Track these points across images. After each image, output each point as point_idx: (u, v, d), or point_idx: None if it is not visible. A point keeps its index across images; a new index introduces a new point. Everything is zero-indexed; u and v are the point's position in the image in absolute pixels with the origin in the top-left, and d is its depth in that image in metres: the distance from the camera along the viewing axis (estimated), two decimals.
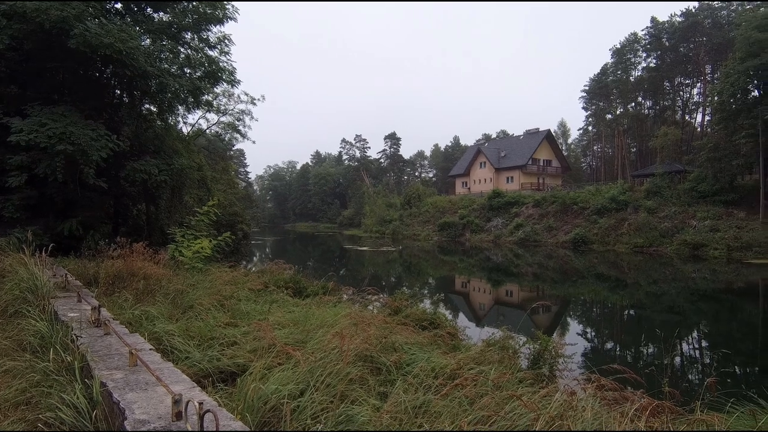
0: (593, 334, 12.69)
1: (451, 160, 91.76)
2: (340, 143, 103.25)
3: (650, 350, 10.78)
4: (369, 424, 2.65)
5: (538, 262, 29.37)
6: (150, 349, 3.54)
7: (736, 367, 9.72)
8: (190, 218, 11.71)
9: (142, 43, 14.81)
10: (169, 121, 19.65)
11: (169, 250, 10.36)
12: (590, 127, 71.84)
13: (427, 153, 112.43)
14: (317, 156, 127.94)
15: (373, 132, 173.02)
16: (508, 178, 58.96)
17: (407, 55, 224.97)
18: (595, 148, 75.97)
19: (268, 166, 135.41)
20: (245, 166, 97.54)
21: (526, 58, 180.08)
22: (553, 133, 69.14)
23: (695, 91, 56.96)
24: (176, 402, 2.24)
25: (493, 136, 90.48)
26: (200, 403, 2.11)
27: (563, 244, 36.86)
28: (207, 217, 11.43)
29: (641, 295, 18.09)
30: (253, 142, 32.96)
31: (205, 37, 17.91)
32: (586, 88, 65.44)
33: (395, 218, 60.29)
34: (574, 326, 13.64)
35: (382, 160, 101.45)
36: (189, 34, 17.44)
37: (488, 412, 2.64)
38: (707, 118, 51.37)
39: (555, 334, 11.85)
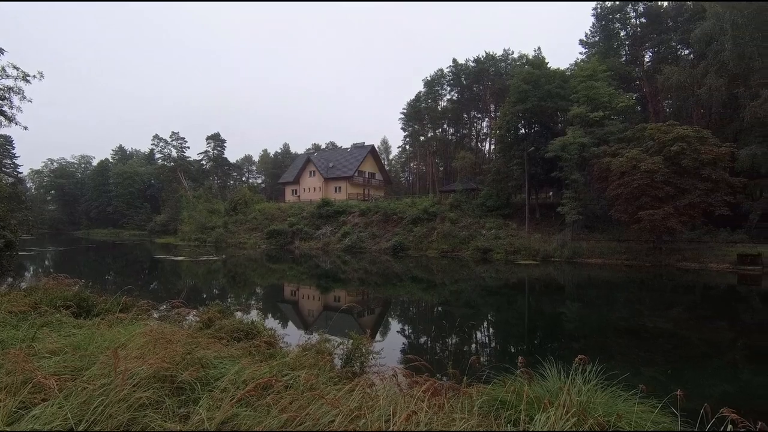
0: (408, 330, 14.11)
1: (281, 167, 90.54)
2: (152, 140, 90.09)
3: (453, 340, 12.60)
4: None
5: (363, 267, 31.21)
6: None
7: (511, 346, 12.15)
8: None
9: None
10: None
11: None
12: (407, 146, 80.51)
13: (256, 158, 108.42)
14: (121, 152, 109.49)
15: (195, 132, 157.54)
16: (336, 188, 61.28)
17: (239, 60, 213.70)
18: (411, 164, 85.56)
19: (50, 160, 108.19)
20: (13, 157, 76.87)
21: (359, 75, 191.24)
22: (377, 149, 75.10)
23: (484, 124, 69.90)
24: None
25: (323, 146, 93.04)
26: None
27: (385, 251, 40.14)
28: None
29: (446, 293, 21.05)
30: (25, 128, 25.37)
31: None
32: (404, 111, 73.26)
33: (219, 225, 56.00)
34: (393, 324, 14.92)
35: (203, 162, 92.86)
36: None
37: (292, 414, 2.64)
38: (492, 147, 63.47)
39: (377, 334, 12.75)
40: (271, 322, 13.15)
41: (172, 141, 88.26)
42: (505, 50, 64.70)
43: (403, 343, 11.80)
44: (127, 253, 46.14)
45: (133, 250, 49.88)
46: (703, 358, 10.48)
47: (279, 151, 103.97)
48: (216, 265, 32.73)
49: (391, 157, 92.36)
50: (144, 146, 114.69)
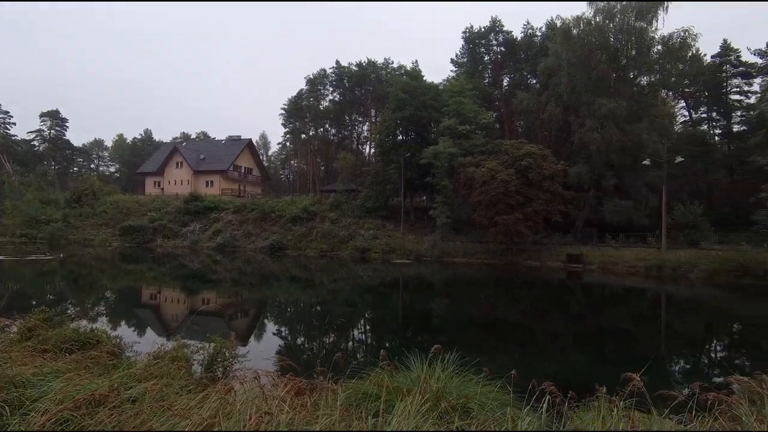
0: (283, 330, 13.70)
1: (141, 155, 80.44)
2: None
3: (328, 339, 12.60)
4: None
5: (237, 267, 29.43)
6: None
7: (385, 341, 12.63)
8: None
9: None
10: None
11: None
12: (288, 143, 78.56)
13: (109, 143, 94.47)
14: None
15: (23, 106, 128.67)
16: (208, 182, 56.72)
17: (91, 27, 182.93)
18: (292, 162, 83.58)
19: None
20: None
21: (239, 64, 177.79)
22: (255, 143, 71.69)
23: (365, 127, 71.81)
24: None
25: (193, 136, 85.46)
26: None
27: (261, 250, 38.45)
28: None
29: (324, 292, 21.05)
30: None
31: None
32: (286, 107, 71.25)
33: (57, 219, 47.12)
34: (267, 325, 14.36)
35: (36, 143, 77.19)
36: None
37: (131, 430, 2.32)
38: (372, 150, 65.55)
39: (251, 336, 12.11)
40: (123, 330, 11.59)
41: None
42: (385, 59, 67.42)
43: (279, 345, 11.43)
44: None
45: None
46: (542, 344, 12.35)
47: (139, 137, 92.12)
48: (51, 266, 27.49)
49: (270, 153, 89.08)
50: None
